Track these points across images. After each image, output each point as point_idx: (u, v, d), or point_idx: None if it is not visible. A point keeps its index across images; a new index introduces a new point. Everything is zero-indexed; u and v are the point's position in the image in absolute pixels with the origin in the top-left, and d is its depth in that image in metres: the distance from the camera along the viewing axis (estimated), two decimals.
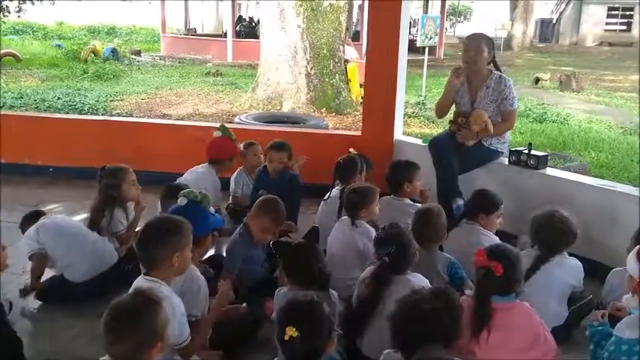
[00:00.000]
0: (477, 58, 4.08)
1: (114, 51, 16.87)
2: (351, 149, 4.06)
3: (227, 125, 4.78)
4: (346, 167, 3.81)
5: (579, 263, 2.99)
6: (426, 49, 11.37)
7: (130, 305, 1.93)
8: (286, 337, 1.86)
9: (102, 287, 3.14)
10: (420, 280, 2.56)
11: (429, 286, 2.48)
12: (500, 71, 4.21)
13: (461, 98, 4.24)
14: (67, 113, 8.79)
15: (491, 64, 4.18)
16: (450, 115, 4.37)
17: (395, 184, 3.77)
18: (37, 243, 3.21)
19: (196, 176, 4.13)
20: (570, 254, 3.00)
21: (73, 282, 3.16)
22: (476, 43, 4.10)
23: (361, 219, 3.24)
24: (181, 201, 2.80)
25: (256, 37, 17.55)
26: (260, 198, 3.34)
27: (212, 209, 2.92)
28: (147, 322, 1.90)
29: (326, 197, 3.82)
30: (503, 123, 4.15)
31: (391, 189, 3.79)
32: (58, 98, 10.07)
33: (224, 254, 3.60)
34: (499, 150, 4.23)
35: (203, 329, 2.57)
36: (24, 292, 3.21)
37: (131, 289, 2.22)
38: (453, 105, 4.32)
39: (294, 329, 1.86)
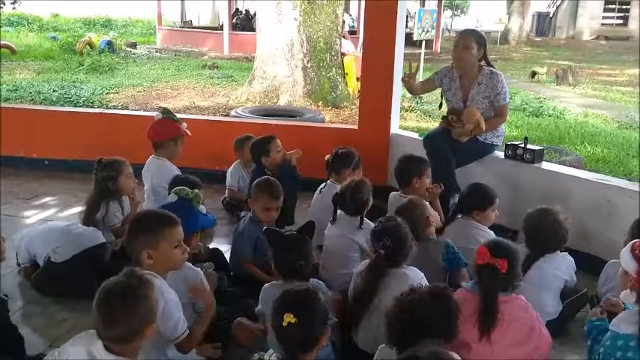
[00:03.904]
0: (466, 55, 4.08)
1: (110, 43, 16.75)
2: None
3: (223, 119, 4.74)
4: (341, 158, 3.80)
5: (571, 258, 2.99)
6: (423, 43, 11.35)
7: (123, 285, 1.85)
8: (284, 323, 1.88)
9: (85, 265, 3.13)
10: (416, 275, 2.55)
11: (426, 282, 2.48)
12: (492, 67, 4.21)
13: (453, 96, 4.24)
14: (63, 106, 8.74)
15: (483, 61, 4.18)
16: (443, 111, 4.36)
17: (403, 180, 3.69)
18: (28, 254, 3.33)
19: (149, 169, 4.01)
20: (565, 248, 3.00)
21: (56, 262, 3.17)
22: (465, 39, 4.10)
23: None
24: (172, 197, 2.79)
25: (253, 30, 17.50)
26: (253, 182, 3.47)
27: (203, 208, 2.90)
28: (142, 300, 1.84)
29: (322, 187, 3.82)
30: (497, 118, 4.15)
31: (399, 184, 3.75)
32: (54, 91, 10.01)
33: (221, 249, 3.62)
34: (494, 144, 4.23)
35: (204, 322, 2.54)
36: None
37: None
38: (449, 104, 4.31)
39: (292, 315, 1.88)
